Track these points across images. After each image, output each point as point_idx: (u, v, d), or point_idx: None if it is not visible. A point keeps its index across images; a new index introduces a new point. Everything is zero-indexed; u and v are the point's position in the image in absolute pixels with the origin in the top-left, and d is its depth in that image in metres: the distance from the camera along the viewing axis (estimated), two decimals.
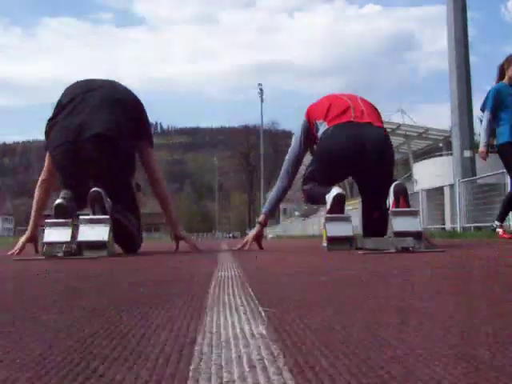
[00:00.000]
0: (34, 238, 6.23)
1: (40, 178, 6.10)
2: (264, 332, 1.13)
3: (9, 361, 0.93)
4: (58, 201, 5.33)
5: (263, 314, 1.37)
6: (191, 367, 0.86)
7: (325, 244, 5.80)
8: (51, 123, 5.75)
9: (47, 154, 5.90)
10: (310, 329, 1.16)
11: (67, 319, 1.37)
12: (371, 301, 1.60)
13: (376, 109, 6.32)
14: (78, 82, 6.14)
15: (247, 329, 1.17)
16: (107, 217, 5.25)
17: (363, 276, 2.53)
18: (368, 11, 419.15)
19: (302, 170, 6.55)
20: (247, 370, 0.84)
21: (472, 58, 18.32)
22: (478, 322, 1.21)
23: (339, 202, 5.65)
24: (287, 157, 6.73)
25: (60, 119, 5.68)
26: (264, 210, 6.94)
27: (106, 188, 5.43)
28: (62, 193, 5.53)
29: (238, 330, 1.16)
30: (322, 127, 6.02)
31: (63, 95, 5.94)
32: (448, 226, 19.12)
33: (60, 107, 5.80)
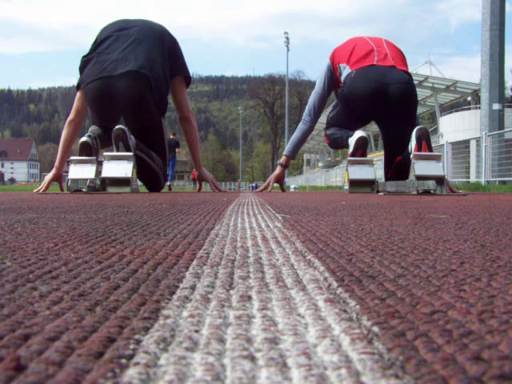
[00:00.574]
0: (60, 177, 6.29)
1: (68, 119, 6.14)
2: (279, 225, 1.16)
3: (38, 240, 0.97)
4: (83, 139, 5.40)
5: (280, 217, 1.40)
6: (207, 240, 0.90)
7: (346, 187, 5.80)
8: (85, 59, 5.80)
9: (77, 94, 5.95)
10: (325, 225, 1.19)
11: (91, 219, 1.41)
12: (388, 214, 1.63)
13: (401, 52, 6.23)
14: (114, 22, 6.16)
15: (263, 224, 1.20)
16: (131, 154, 5.30)
17: (382, 202, 2.55)
18: None
19: (324, 120, 6.49)
20: (260, 241, 0.88)
21: (508, 7, 17.84)
22: (493, 227, 1.23)
23: (362, 145, 5.63)
24: (311, 99, 6.68)
25: (94, 56, 5.74)
26: (286, 151, 6.93)
27: (135, 125, 5.46)
28: (89, 130, 5.59)
29: (255, 224, 1.19)
30: (345, 71, 5.97)
31: (99, 33, 5.98)
32: (473, 179, 18.95)
33: (95, 45, 5.85)
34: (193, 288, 0.53)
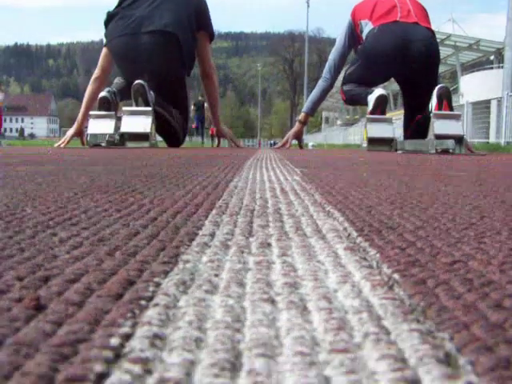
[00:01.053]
0: (81, 132, 6.30)
1: (93, 76, 6.14)
2: (298, 178, 1.16)
3: (58, 190, 0.98)
4: (102, 93, 5.38)
5: (298, 171, 1.39)
6: (226, 191, 0.90)
7: (365, 144, 5.77)
8: (111, 13, 5.78)
9: (103, 51, 5.95)
10: (344, 179, 1.19)
11: (110, 170, 1.42)
12: (407, 170, 1.62)
13: (424, 9, 6.11)
14: None
15: (282, 177, 1.20)
16: (149, 109, 5.29)
17: (400, 159, 2.54)
18: None
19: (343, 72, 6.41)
20: (279, 193, 0.87)
21: None
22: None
23: (382, 103, 5.57)
24: (331, 56, 6.60)
25: (119, 11, 5.71)
26: (304, 108, 6.88)
27: (158, 82, 5.46)
28: (113, 83, 5.59)
29: (274, 178, 1.19)
30: (367, 27, 5.87)
31: None
32: (492, 140, 18.74)
33: (121, 0, 5.82)
34: (212, 235, 0.53)
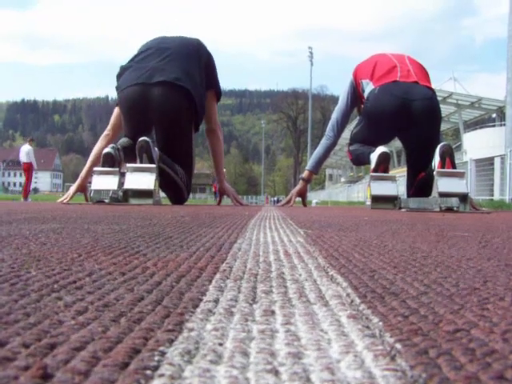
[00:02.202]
0: (85, 187, 6.33)
1: (104, 133, 6.25)
2: (302, 240, 1.16)
3: (62, 250, 0.99)
4: (106, 150, 5.42)
5: (302, 232, 1.40)
6: (229, 253, 0.90)
7: (369, 202, 5.78)
8: (124, 66, 5.92)
9: (115, 110, 6.07)
10: (347, 241, 1.19)
11: (114, 230, 1.43)
12: (411, 231, 1.62)
13: (424, 68, 6.22)
14: (153, 38, 6.34)
15: (286, 239, 1.21)
16: (154, 166, 5.32)
17: (404, 218, 2.54)
18: None
19: (347, 135, 6.49)
20: (283, 256, 0.88)
21: None
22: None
23: (384, 161, 5.61)
24: (334, 115, 6.70)
25: (132, 65, 5.87)
26: (308, 166, 6.94)
27: (165, 136, 5.52)
28: (118, 142, 5.65)
29: (277, 239, 1.19)
30: (369, 87, 5.97)
31: (139, 48, 6.16)
32: (497, 197, 18.72)
33: (134, 56, 6.00)
34: (216, 301, 0.53)
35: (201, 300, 0.54)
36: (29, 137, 16.71)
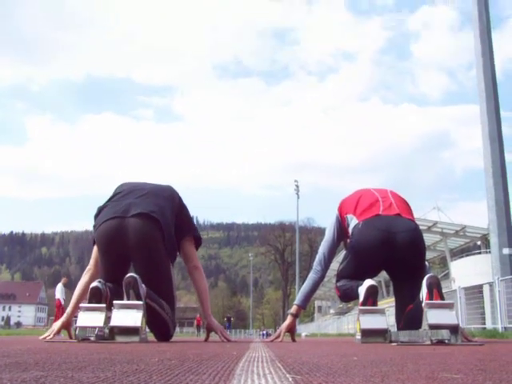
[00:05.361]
0: (69, 324, 6.24)
1: (87, 268, 6.26)
2: None
3: None
4: (94, 284, 5.38)
5: (290, 379, 1.37)
6: None
7: (359, 337, 5.70)
8: (101, 207, 6.04)
9: (94, 248, 6.10)
10: None
11: (100, 378, 1.39)
12: (400, 374, 1.60)
13: (406, 202, 6.35)
14: (127, 182, 6.57)
15: None
16: (141, 302, 5.27)
17: (395, 356, 2.50)
18: (403, 111, 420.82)
19: (335, 266, 6.50)
20: None
21: (508, 156, 18.31)
22: None
23: (372, 294, 5.59)
24: (321, 249, 6.74)
25: (109, 204, 5.99)
26: (297, 301, 6.89)
27: (144, 270, 5.51)
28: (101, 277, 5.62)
29: None
30: (353, 222, 6.07)
31: (114, 190, 6.34)
32: (489, 325, 18.54)
33: (110, 197, 6.15)
34: None
35: None
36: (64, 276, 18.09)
